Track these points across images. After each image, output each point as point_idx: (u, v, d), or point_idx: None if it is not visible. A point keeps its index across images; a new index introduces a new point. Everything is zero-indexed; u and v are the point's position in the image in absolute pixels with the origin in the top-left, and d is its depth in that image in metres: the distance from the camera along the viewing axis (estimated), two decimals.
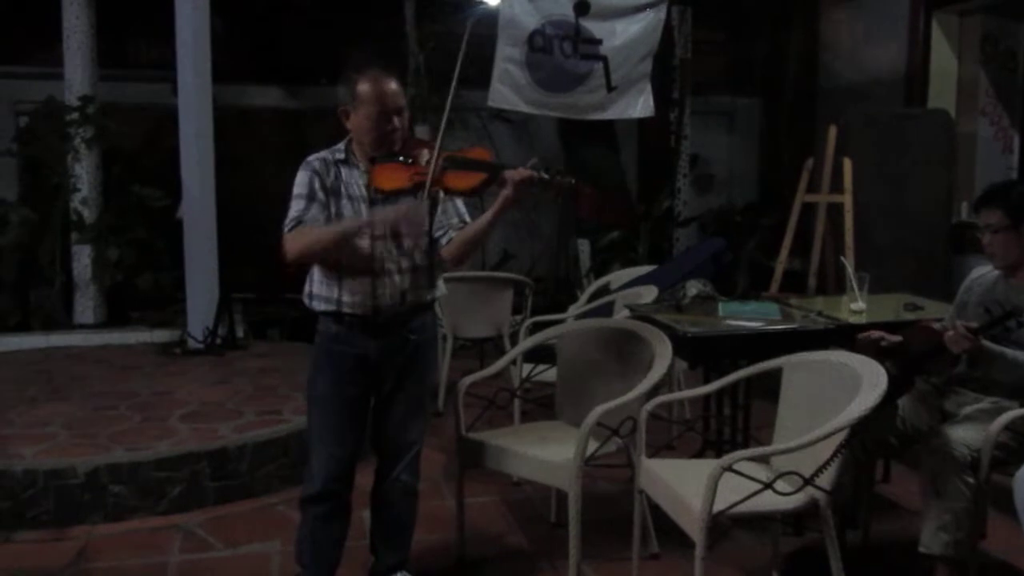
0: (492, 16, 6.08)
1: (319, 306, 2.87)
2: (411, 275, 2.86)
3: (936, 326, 3.12)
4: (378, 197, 2.80)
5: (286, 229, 2.74)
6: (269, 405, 4.68)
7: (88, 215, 6.51)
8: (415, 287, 2.88)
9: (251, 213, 6.11)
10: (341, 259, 2.78)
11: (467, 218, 2.90)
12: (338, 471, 2.90)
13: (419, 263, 2.87)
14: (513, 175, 2.69)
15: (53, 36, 6.55)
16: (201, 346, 5.91)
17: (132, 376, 5.31)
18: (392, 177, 2.77)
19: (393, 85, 2.79)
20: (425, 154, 2.77)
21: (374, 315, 2.83)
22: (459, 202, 2.91)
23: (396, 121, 2.79)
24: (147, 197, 6.53)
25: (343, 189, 2.81)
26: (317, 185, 2.77)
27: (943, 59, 6.62)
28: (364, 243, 2.77)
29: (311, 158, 2.84)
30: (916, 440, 3.23)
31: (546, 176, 2.71)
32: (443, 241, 2.87)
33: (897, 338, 3.15)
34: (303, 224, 2.73)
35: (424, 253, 2.88)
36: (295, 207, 2.75)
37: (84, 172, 6.51)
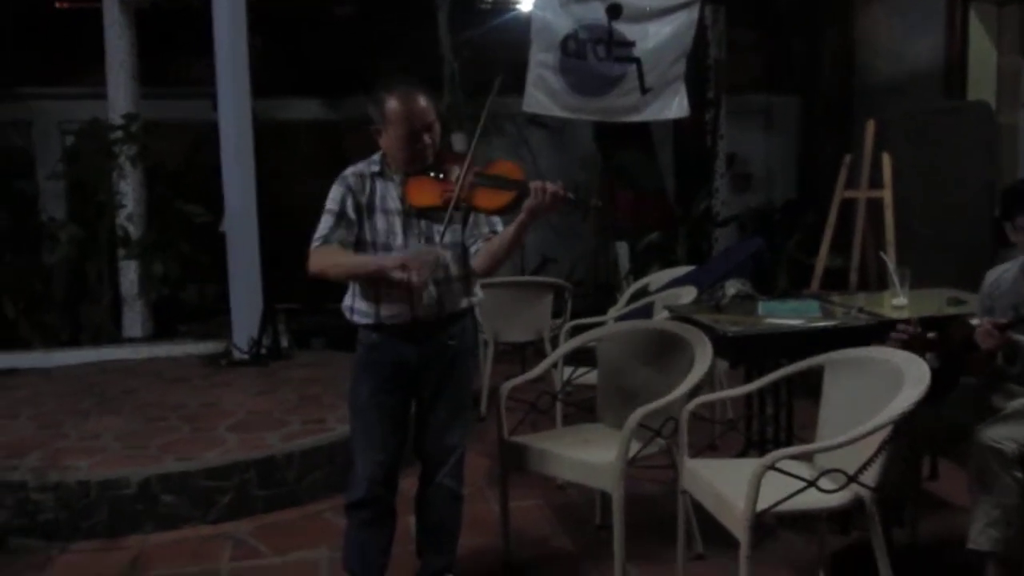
0: (525, 22, 6.12)
1: (360, 319, 2.92)
2: (447, 286, 2.89)
3: (973, 322, 3.10)
4: (412, 211, 2.83)
5: (313, 244, 2.81)
6: (314, 414, 4.74)
7: (134, 231, 6.63)
8: (451, 297, 2.91)
9: (292, 224, 6.18)
10: (368, 282, 2.83)
11: (498, 228, 2.90)
12: (381, 476, 2.94)
13: (454, 274, 2.90)
14: (539, 187, 2.65)
15: (96, 56, 6.68)
16: (246, 357, 5.99)
17: (180, 388, 5.41)
18: (423, 193, 2.79)
19: (422, 102, 2.80)
20: (456, 170, 2.76)
21: (412, 324, 2.87)
22: None
23: (426, 138, 2.80)
24: (190, 214, 6.64)
25: (378, 203, 2.85)
26: (350, 203, 2.82)
27: (982, 50, 6.53)
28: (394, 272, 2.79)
29: (347, 172, 2.88)
30: (963, 436, 3.20)
31: (572, 196, 2.68)
32: (472, 251, 2.89)
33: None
34: (328, 243, 2.79)
35: (459, 263, 2.90)
36: (324, 223, 2.82)
37: (129, 189, 6.63)
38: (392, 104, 2.78)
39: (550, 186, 2.65)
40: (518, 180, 2.73)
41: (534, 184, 2.66)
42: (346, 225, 2.82)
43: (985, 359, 3.04)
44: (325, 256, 2.79)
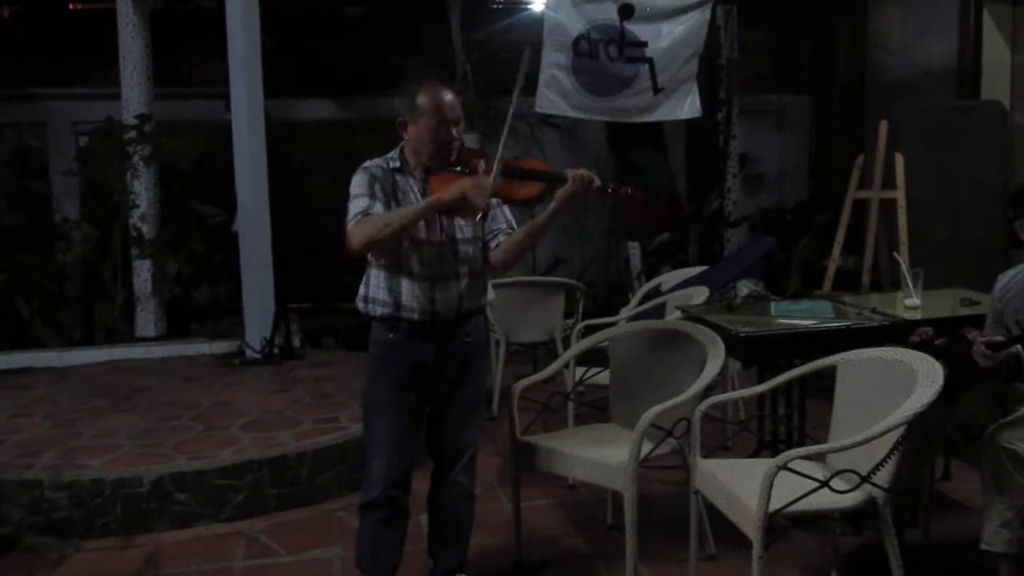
0: (538, 22, 6.12)
1: (376, 310, 2.90)
2: (468, 280, 2.90)
3: (972, 335, 3.09)
4: None
5: (351, 222, 2.74)
6: (327, 413, 4.76)
7: (147, 231, 6.66)
8: (471, 292, 2.93)
9: (305, 224, 6.22)
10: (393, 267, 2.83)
11: (515, 224, 2.95)
12: (396, 476, 2.94)
13: (475, 268, 2.92)
14: (575, 174, 2.73)
15: (110, 57, 6.72)
16: (259, 356, 6.01)
17: (193, 387, 5.43)
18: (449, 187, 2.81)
19: (451, 96, 2.84)
20: (482, 164, 2.81)
21: (431, 320, 2.88)
22: (507, 208, 2.96)
23: (454, 132, 2.84)
24: (203, 213, 6.67)
25: (400, 196, 2.86)
26: (377, 187, 2.81)
27: (995, 50, 6.49)
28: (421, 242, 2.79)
29: (368, 163, 2.88)
30: (977, 437, 3.19)
31: (599, 183, 2.76)
32: (492, 245, 2.93)
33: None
34: (368, 215, 2.73)
35: (478, 259, 2.93)
36: (358, 203, 2.76)
37: (142, 189, 6.65)
38: (424, 96, 2.82)
39: (586, 174, 2.74)
40: (547, 171, 2.83)
41: (573, 173, 2.74)
42: (380, 203, 2.78)
43: (989, 371, 3.03)
44: (369, 224, 2.70)
